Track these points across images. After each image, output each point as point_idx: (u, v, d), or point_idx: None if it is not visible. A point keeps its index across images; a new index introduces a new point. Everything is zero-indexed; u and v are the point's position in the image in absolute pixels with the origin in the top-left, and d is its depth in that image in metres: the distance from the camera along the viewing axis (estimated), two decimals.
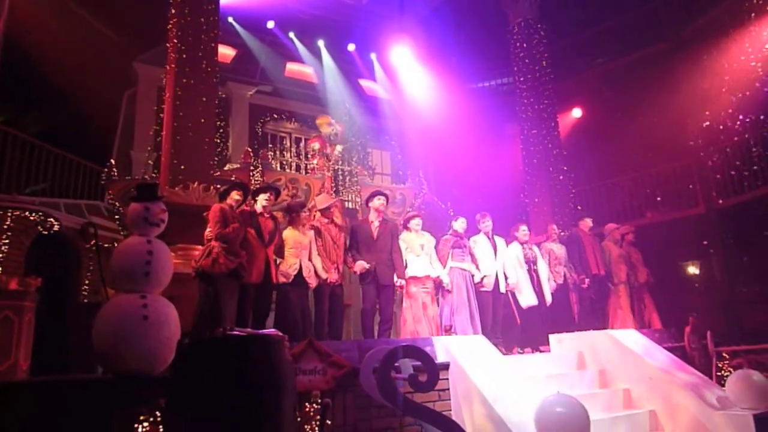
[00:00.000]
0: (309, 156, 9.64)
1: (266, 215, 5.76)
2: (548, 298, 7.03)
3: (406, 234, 6.48)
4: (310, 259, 5.96)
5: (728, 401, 5.13)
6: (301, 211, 6.15)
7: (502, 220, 7.68)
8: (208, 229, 5.36)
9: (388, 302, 6.17)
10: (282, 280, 5.73)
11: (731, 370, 6.94)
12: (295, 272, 5.78)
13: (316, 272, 5.93)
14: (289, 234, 5.94)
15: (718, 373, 7.13)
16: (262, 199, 5.77)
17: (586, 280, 7.42)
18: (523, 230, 7.20)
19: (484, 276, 6.62)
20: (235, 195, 5.51)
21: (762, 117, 9.97)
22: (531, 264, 7.08)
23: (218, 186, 6.45)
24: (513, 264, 6.90)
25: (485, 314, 6.56)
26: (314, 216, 6.34)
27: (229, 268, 5.12)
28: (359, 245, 6.19)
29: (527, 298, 6.82)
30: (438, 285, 6.44)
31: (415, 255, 6.32)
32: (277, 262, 5.85)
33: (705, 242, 10.66)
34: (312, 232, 6.11)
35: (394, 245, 6.24)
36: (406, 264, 6.30)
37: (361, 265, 6.02)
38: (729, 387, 5.16)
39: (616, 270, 7.89)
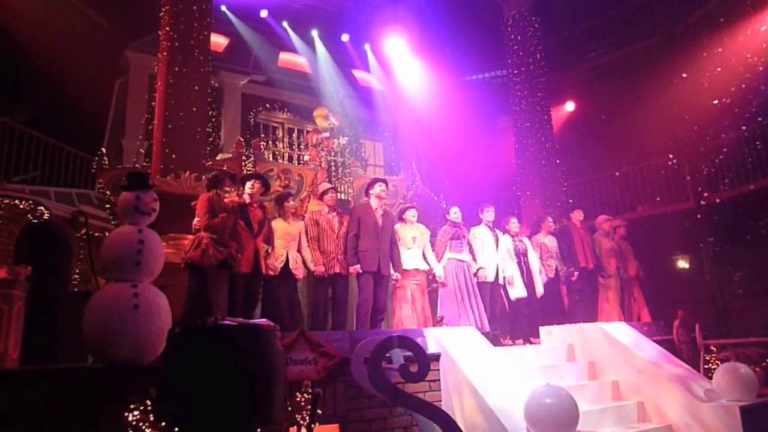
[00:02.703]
0: (303, 147, 9.60)
1: (255, 205, 5.70)
2: (539, 290, 7.03)
3: (399, 225, 6.45)
4: (299, 251, 5.92)
5: (715, 393, 5.19)
6: (288, 201, 6.09)
7: (495, 213, 7.68)
8: (196, 219, 5.32)
9: (384, 292, 6.14)
10: (270, 273, 5.71)
11: (719, 363, 7.01)
12: (282, 264, 5.75)
13: (304, 263, 5.90)
14: (277, 224, 5.91)
15: (706, 366, 7.20)
16: (247, 188, 5.71)
17: (575, 273, 7.42)
18: (513, 222, 7.19)
19: (480, 267, 6.60)
20: (225, 186, 5.46)
21: (754, 112, 10.03)
22: (521, 256, 7.09)
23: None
24: (504, 256, 6.90)
25: (487, 305, 6.55)
26: (305, 207, 6.32)
27: (218, 259, 5.07)
28: (362, 231, 6.06)
29: (516, 290, 6.83)
30: (432, 277, 6.44)
31: (406, 248, 6.30)
32: (268, 251, 5.83)
33: (695, 237, 10.74)
34: (301, 223, 6.07)
35: (393, 237, 6.23)
36: None
37: (356, 269, 5.96)
38: (716, 379, 5.22)
39: (607, 263, 7.91)
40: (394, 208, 7.95)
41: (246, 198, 5.70)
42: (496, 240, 6.87)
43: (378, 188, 6.29)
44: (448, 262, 6.47)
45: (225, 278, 5.26)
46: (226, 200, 5.52)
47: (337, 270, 5.97)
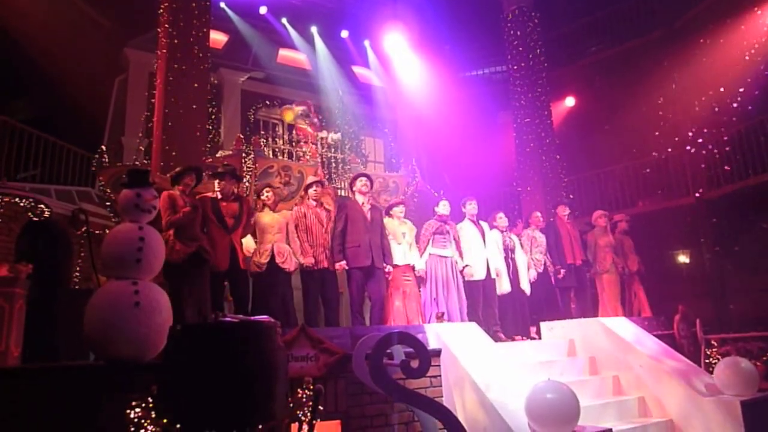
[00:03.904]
0: (303, 143, 9.62)
1: (230, 199, 5.57)
2: (525, 287, 6.96)
3: (388, 221, 6.38)
4: (287, 243, 5.81)
5: (716, 388, 5.19)
6: (266, 191, 5.99)
7: (494, 209, 7.67)
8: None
9: (379, 286, 6.02)
10: (255, 269, 5.63)
11: (719, 357, 7.01)
12: (267, 260, 5.63)
13: (294, 255, 5.82)
14: (263, 216, 5.84)
15: (707, 361, 7.19)
16: (215, 186, 5.62)
17: (562, 270, 7.35)
18: (500, 217, 7.10)
19: (466, 265, 6.50)
20: (187, 180, 5.28)
21: (755, 106, 10.02)
22: (509, 252, 7.00)
23: (210, 172, 6.41)
24: (493, 251, 6.82)
25: (474, 303, 6.49)
26: (305, 200, 6.27)
27: (187, 253, 4.97)
28: (349, 225, 5.98)
29: (502, 286, 6.78)
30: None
31: (396, 243, 6.24)
32: (251, 245, 5.76)
33: (695, 232, 10.74)
34: (289, 213, 6.01)
35: (383, 230, 6.18)
36: None
37: (341, 266, 5.89)
38: (717, 374, 5.22)
39: (601, 258, 7.87)
40: None
41: (217, 193, 5.58)
42: (482, 234, 6.77)
43: (359, 183, 6.23)
44: (429, 257, 6.36)
45: (203, 275, 5.14)
46: (198, 196, 5.41)
47: (326, 265, 5.88)
